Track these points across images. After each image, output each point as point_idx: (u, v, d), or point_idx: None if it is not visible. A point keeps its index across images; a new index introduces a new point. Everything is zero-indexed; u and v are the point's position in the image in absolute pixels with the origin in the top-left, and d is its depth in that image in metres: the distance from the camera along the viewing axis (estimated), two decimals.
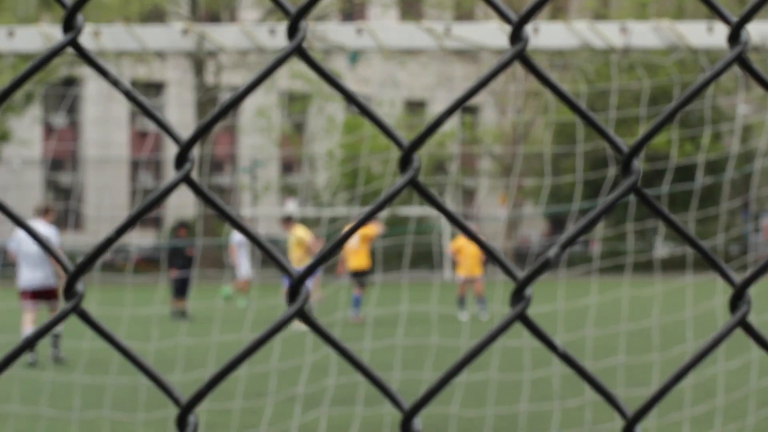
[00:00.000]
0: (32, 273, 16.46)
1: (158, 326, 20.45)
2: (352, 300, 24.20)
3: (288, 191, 57.31)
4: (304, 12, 1.25)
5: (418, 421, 1.29)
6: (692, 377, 12.23)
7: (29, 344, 1.23)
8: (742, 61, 1.33)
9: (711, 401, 11.38)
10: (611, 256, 31.63)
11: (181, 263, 25.82)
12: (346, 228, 1.30)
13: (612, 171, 12.56)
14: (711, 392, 11.87)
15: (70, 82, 54.20)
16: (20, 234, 16.79)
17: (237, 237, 29.69)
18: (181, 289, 25.73)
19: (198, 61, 49.10)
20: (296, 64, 41.72)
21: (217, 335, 16.45)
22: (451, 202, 50.31)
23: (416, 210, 42.51)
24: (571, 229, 1.31)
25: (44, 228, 16.54)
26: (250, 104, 54.84)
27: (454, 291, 27.63)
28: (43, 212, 16.87)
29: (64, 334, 16.97)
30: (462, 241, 25.56)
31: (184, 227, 27.59)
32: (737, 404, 11.51)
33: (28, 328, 16.24)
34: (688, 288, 13.73)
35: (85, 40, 8.35)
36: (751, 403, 11.43)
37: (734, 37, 1.33)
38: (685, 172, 22.36)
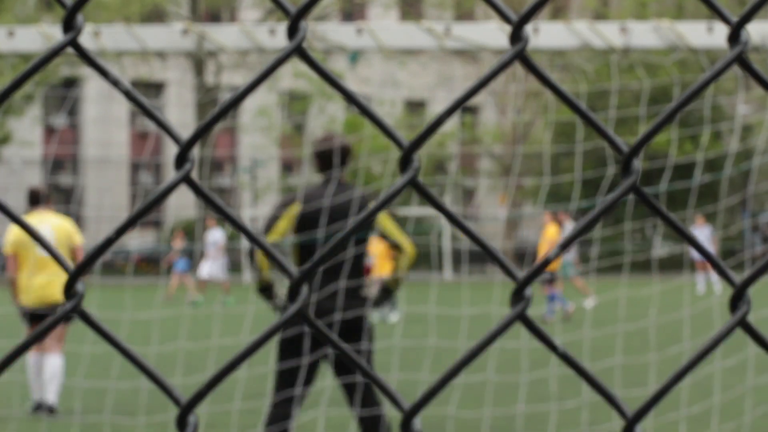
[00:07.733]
0: None
1: (158, 329, 20.45)
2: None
3: (288, 191, 57.24)
4: (304, 12, 1.25)
5: (417, 422, 1.29)
6: (689, 376, 12.21)
7: (28, 345, 1.23)
8: (742, 61, 1.33)
9: (708, 400, 11.38)
10: (609, 255, 31.62)
11: None
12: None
13: (611, 170, 12.56)
14: (708, 391, 11.87)
15: (71, 82, 54.15)
16: None
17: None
18: None
19: (198, 61, 49.07)
20: (298, 64, 41.74)
21: (216, 338, 16.44)
22: (451, 202, 50.30)
23: (415, 210, 42.49)
24: (570, 229, 1.31)
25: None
26: (250, 104, 54.78)
27: (454, 291, 27.62)
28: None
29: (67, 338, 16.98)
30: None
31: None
32: (734, 403, 11.51)
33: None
34: (686, 287, 13.73)
35: (85, 40, 8.35)
36: (747, 401, 11.43)
37: (734, 37, 1.33)
38: (685, 171, 22.35)
